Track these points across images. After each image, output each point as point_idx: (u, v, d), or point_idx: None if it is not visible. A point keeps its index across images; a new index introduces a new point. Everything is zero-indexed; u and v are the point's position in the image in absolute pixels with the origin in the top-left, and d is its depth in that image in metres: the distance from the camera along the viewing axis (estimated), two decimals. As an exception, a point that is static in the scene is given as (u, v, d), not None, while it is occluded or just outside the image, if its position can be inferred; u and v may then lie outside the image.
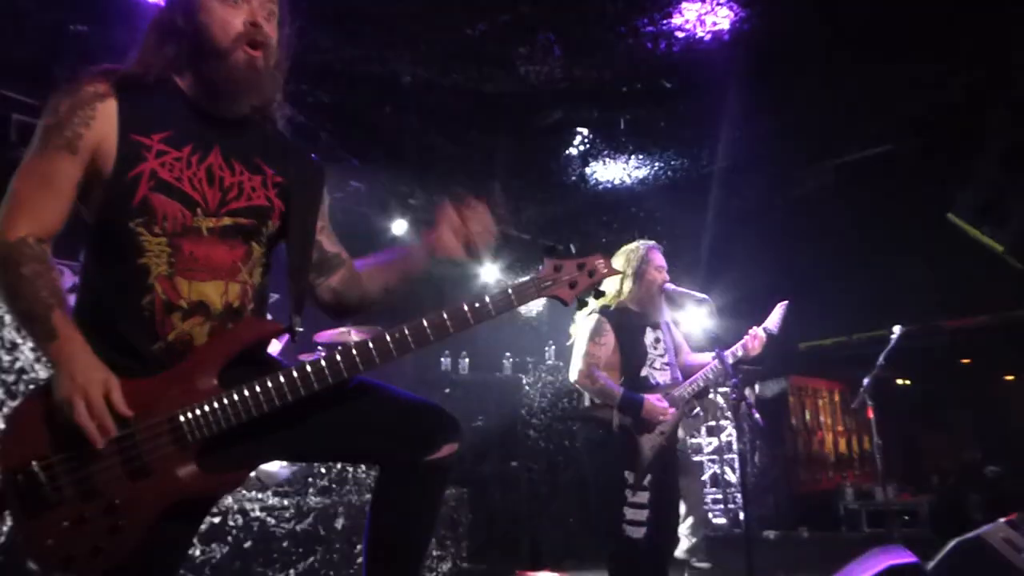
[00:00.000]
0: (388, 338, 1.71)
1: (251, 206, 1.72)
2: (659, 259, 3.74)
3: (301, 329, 1.76)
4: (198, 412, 1.57)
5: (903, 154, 6.55)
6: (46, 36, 4.66)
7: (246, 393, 1.60)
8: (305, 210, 1.82)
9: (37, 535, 1.48)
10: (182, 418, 1.56)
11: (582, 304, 1.88)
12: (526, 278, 1.85)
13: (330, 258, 1.93)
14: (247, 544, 4.17)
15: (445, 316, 1.75)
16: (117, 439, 1.51)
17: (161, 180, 1.61)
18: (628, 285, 3.68)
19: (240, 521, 4.20)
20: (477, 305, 1.77)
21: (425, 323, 1.73)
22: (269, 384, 1.61)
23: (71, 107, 1.59)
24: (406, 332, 1.72)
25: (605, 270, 1.85)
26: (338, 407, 1.74)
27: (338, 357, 1.67)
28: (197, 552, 3.94)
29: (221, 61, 1.65)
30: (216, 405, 1.58)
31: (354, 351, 1.68)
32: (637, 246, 3.79)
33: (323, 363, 1.65)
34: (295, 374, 1.63)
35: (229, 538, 4.10)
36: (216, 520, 4.08)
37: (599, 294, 1.88)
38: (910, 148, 6.50)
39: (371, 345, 1.69)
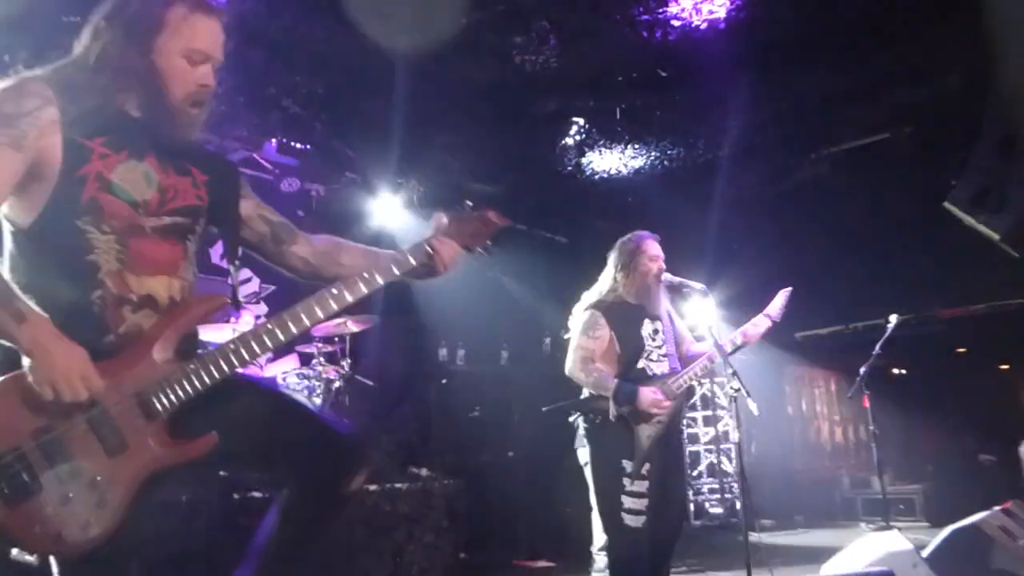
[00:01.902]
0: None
1: (186, 206, 1.82)
2: (652, 249, 3.72)
3: (243, 301, 1.90)
4: (163, 385, 1.66)
5: (899, 142, 6.55)
6: (40, 28, 4.63)
7: (204, 362, 1.72)
8: (228, 202, 1.93)
9: (23, 523, 1.51)
10: (149, 392, 1.64)
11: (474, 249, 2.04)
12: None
13: (280, 226, 2.05)
14: (247, 533, 4.17)
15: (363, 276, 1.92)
16: (91, 419, 1.57)
17: (107, 180, 1.68)
18: (621, 277, 3.67)
19: (238, 511, 4.20)
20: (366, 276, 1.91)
21: (335, 290, 1.88)
22: (220, 353, 1.74)
23: (16, 107, 1.63)
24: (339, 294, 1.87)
25: (497, 220, 2.10)
26: (260, 422, 1.83)
27: (276, 321, 1.83)
28: (196, 543, 3.94)
29: (168, 110, 1.76)
30: (178, 376, 1.68)
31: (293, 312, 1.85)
32: (629, 237, 3.77)
33: (261, 328, 1.80)
34: (239, 342, 1.77)
35: (228, 528, 4.10)
36: (214, 510, 4.08)
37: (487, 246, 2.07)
38: (906, 136, 6.49)
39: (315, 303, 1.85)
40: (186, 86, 1.75)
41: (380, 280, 1.90)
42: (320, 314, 1.85)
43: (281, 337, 1.81)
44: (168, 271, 1.78)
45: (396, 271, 1.94)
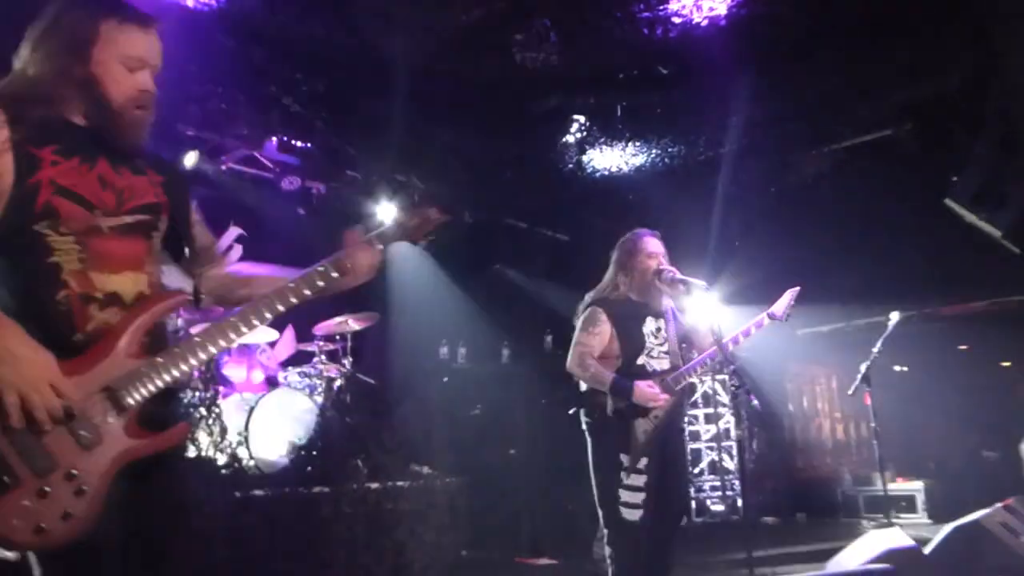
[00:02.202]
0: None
1: (145, 203, 1.88)
2: (650, 245, 3.73)
3: (204, 297, 2.00)
4: (131, 379, 1.71)
5: (900, 139, 6.54)
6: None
7: (171, 356, 1.78)
8: (182, 205, 2.00)
9: (2, 518, 1.54)
10: (118, 386, 1.70)
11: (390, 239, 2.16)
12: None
13: (207, 248, 2.11)
14: (248, 533, 4.19)
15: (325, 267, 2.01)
16: (63, 416, 1.62)
17: (60, 186, 1.74)
18: (622, 275, 3.69)
19: (240, 510, 4.21)
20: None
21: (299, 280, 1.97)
22: (187, 348, 1.82)
23: None
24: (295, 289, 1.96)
25: (437, 216, 2.18)
26: None
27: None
28: (200, 539, 3.95)
29: (112, 114, 1.82)
30: (146, 370, 1.73)
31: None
32: (629, 236, 3.79)
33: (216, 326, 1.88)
34: (204, 336, 1.85)
35: (229, 527, 4.11)
36: (216, 509, 4.09)
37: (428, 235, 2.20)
38: (907, 133, 6.48)
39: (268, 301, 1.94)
40: (126, 91, 1.82)
41: (293, 301, 1.96)
42: (255, 323, 1.92)
43: (227, 342, 1.89)
44: (132, 267, 1.83)
45: (308, 292, 1.99)
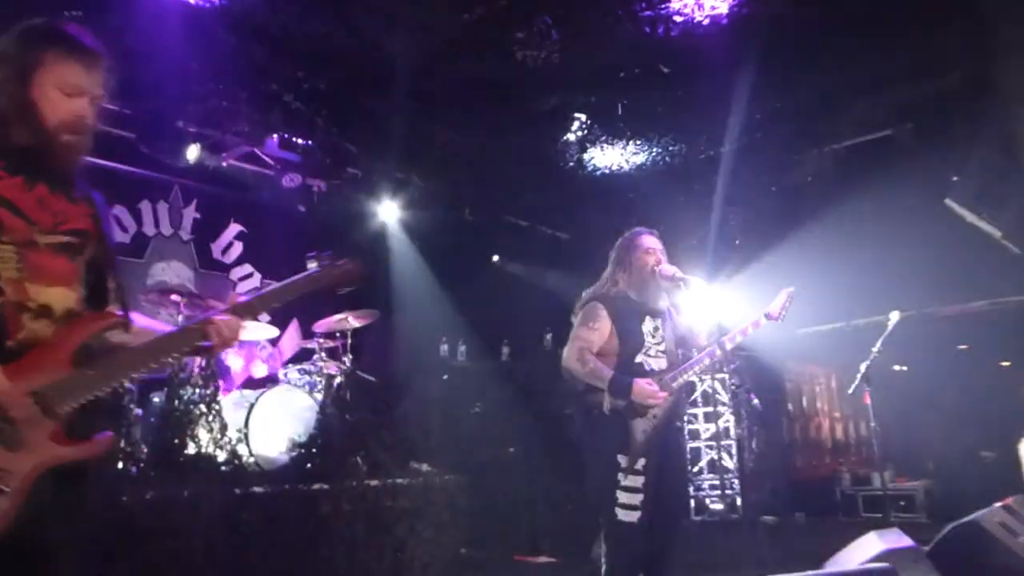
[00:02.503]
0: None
1: (76, 229, 1.98)
2: (647, 243, 3.73)
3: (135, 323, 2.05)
4: (60, 389, 1.79)
5: (900, 139, 6.54)
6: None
7: (102, 369, 1.87)
8: (107, 239, 2.07)
9: None
10: (47, 394, 1.77)
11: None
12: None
13: (119, 289, 2.12)
14: (247, 530, 4.19)
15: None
16: None
17: (4, 198, 1.85)
18: (619, 272, 3.69)
19: (240, 507, 4.21)
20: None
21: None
22: (115, 364, 1.92)
23: None
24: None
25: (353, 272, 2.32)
26: None
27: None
28: (197, 538, 3.95)
29: (46, 137, 1.90)
30: (77, 381, 1.82)
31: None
32: (626, 234, 3.79)
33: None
34: (131, 355, 1.95)
35: (229, 524, 4.11)
36: (216, 506, 4.09)
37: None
38: (907, 133, 6.48)
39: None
40: (60, 114, 1.91)
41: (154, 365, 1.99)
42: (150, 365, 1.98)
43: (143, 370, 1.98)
44: (64, 283, 1.92)
45: (166, 359, 2.01)
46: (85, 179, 2.08)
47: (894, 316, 5.18)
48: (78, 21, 4.60)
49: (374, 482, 4.96)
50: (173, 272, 6.72)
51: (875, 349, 5.19)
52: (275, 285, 2.22)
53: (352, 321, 5.80)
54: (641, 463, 3.38)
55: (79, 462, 1.83)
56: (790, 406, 10.71)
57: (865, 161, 6.88)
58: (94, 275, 2.03)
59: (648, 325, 3.65)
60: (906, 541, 3.72)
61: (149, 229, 6.68)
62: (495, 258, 8.44)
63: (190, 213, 6.93)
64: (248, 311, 2.12)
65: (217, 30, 4.75)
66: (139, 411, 5.35)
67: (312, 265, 2.28)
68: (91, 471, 1.90)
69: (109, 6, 4.54)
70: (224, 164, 6.66)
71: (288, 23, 4.75)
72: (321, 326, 5.86)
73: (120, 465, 4.50)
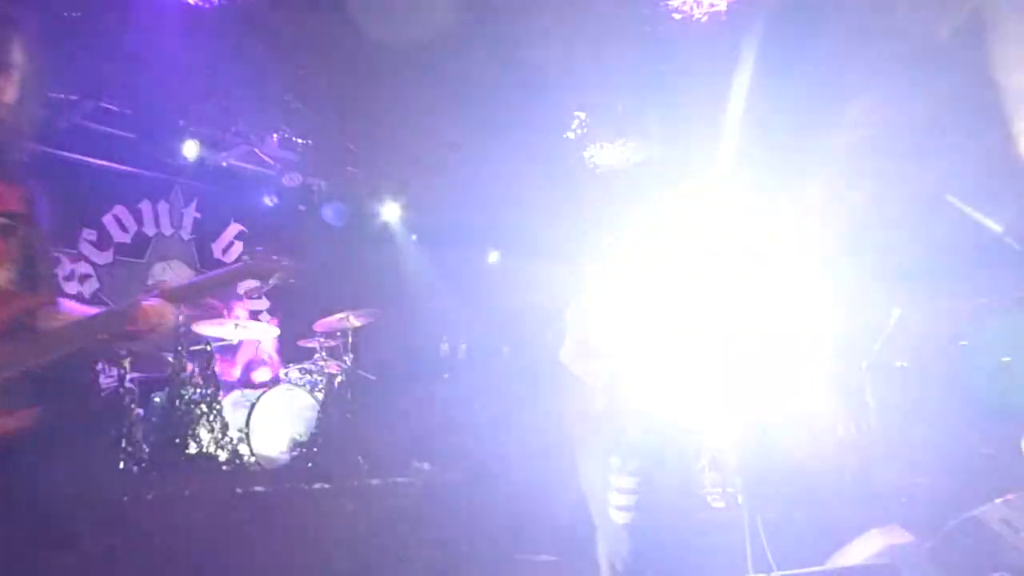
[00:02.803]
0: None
1: (8, 211, 2.00)
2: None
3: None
4: None
5: (900, 133, 6.52)
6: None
7: (21, 344, 1.90)
8: (39, 224, 2.07)
9: None
10: None
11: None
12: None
13: (48, 277, 2.11)
14: (249, 529, 4.19)
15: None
16: None
17: None
18: None
19: (241, 506, 4.22)
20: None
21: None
22: (38, 340, 1.94)
23: None
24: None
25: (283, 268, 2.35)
26: None
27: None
28: (199, 537, 3.96)
29: None
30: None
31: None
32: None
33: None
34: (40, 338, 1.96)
35: (230, 523, 4.11)
36: (217, 506, 4.10)
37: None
38: (905, 127, 6.47)
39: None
40: None
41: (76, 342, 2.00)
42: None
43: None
44: None
45: (90, 339, 2.03)
46: (30, 162, 2.09)
47: (895, 314, 5.19)
48: (77, 21, 4.62)
49: (375, 481, 4.96)
50: (174, 272, 6.73)
51: (877, 346, 5.19)
52: (207, 274, 2.28)
53: (353, 320, 5.80)
54: (633, 463, 3.36)
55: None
56: (791, 403, 10.70)
57: (863, 156, 6.86)
58: (26, 259, 2.04)
59: None
60: (908, 538, 3.72)
61: (150, 229, 6.68)
62: (491, 258, 8.43)
63: (190, 213, 6.93)
64: (177, 297, 2.12)
65: (217, 29, 4.76)
66: (140, 411, 5.36)
67: (245, 258, 2.36)
68: (13, 446, 1.90)
69: (109, 6, 4.53)
70: (224, 163, 6.66)
71: (288, 21, 4.75)
72: (322, 325, 5.87)
73: (121, 465, 4.51)
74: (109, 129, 5.75)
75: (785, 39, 5.19)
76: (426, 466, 5.65)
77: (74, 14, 4.35)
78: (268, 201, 7.13)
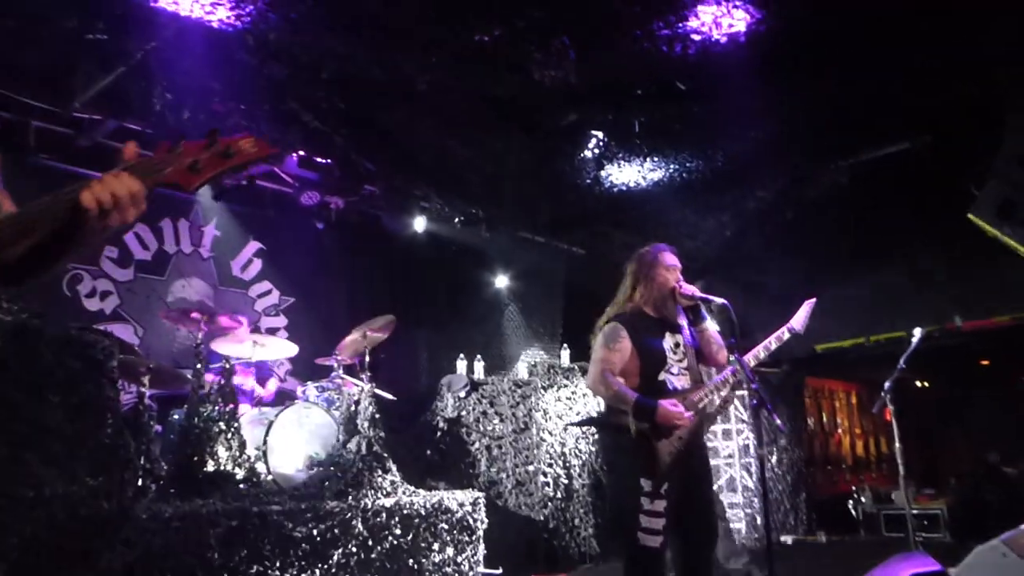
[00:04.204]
0: None
1: None
2: (669, 259, 3.70)
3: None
4: None
5: (921, 152, 6.49)
6: (64, 44, 4.71)
7: None
8: None
9: None
10: None
11: (200, 185, 1.55)
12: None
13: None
14: (265, 547, 4.19)
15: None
16: None
17: None
18: (641, 288, 3.66)
19: (258, 524, 4.21)
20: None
21: None
22: None
23: None
24: None
25: (252, 148, 1.59)
26: None
27: None
28: (216, 555, 3.96)
29: None
30: None
31: None
32: (647, 248, 3.76)
33: None
34: None
35: (247, 541, 4.11)
36: (234, 523, 4.09)
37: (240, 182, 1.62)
38: (928, 146, 6.44)
39: None
40: None
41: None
42: None
43: None
44: None
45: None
46: None
47: (917, 332, 5.12)
48: (102, 43, 4.69)
49: (391, 500, 4.95)
50: (193, 289, 6.77)
51: (900, 365, 5.12)
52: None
53: (370, 336, 5.80)
54: (665, 487, 3.33)
55: None
56: (810, 422, 10.61)
57: (885, 174, 6.83)
58: None
59: (669, 341, 3.61)
60: (933, 565, 3.66)
61: (170, 247, 6.74)
62: (498, 285, 8.38)
63: (210, 231, 6.99)
64: (149, 169, 1.52)
65: (238, 51, 4.82)
66: (159, 428, 5.38)
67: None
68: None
69: (133, 27, 4.60)
70: (243, 182, 6.72)
71: (308, 43, 4.80)
72: (341, 348, 5.88)
73: (140, 482, 4.52)
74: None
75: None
76: (442, 485, 5.62)
77: (99, 36, 4.42)
78: (317, 225, 7.19)
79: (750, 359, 3.55)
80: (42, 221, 1.49)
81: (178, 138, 1.58)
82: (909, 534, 5.26)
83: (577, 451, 6.59)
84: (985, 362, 11.43)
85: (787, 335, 3.66)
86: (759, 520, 7.92)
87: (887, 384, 5.13)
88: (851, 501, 9.31)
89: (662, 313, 3.64)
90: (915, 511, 8.10)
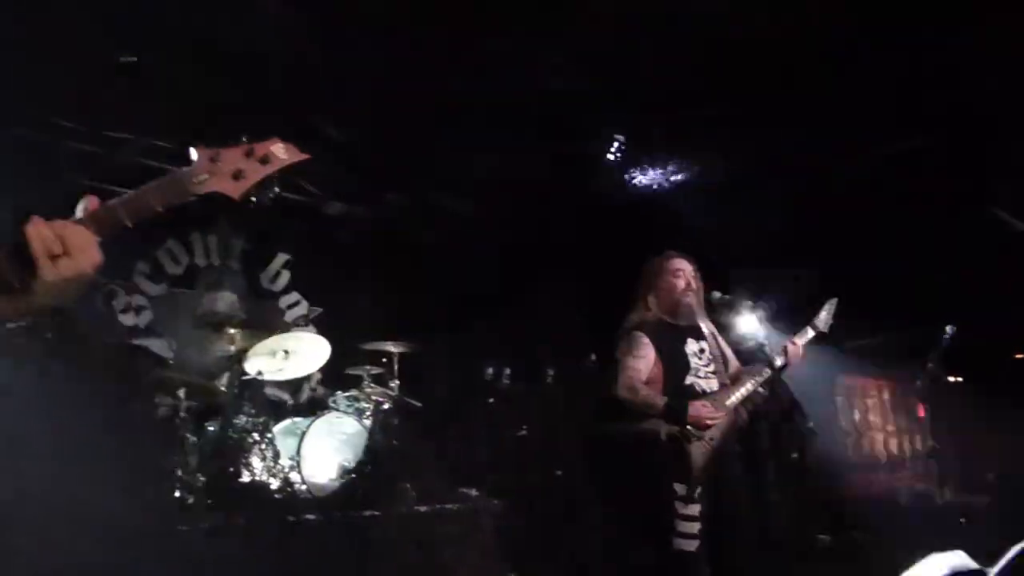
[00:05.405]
0: None
1: None
2: (674, 264, 3.75)
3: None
4: None
5: (946, 145, 6.42)
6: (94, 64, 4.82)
7: None
8: None
9: None
10: None
11: (246, 199, 1.55)
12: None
13: None
14: (299, 556, 4.24)
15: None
16: None
17: None
18: (651, 297, 3.71)
19: (292, 533, 4.27)
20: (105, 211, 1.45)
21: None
22: None
23: None
24: None
25: (284, 155, 1.58)
26: None
27: None
28: (255, 567, 4.02)
29: None
30: None
31: None
32: (654, 258, 3.82)
33: None
34: None
35: (284, 552, 4.17)
36: (272, 534, 4.15)
37: (279, 186, 1.60)
38: (953, 138, 6.37)
39: None
40: None
41: None
42: None
43: None
44: None
45: None
46: None
47: (949, 330, 5.07)
48: (133, 63, 4.80)
49: (423, 508, 4.98)
50: (223, 302, 6.87)
51: (931, 363, 5.07)
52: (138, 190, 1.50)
53: (396, 347, 5.87)
54: (698, 490, 3.33)
55: None
56: (842, 421, 10.49)
57: (911, 168, 6.76)
58: None
59: (692, 347, 3.63)
60: (971, 564, 3.61)
61: (200, 260, 6.85)
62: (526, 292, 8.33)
63: (239, 244, 7.09)
64: (106, 220, 1.43)
65: (268, 70, 4.92)
66: (194, 439, 5.47)
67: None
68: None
69: (161, 45, 4.71)
70: (270, 194, 6.80)
71: (336, 59, 4.88)
72: (367, 352, 5.95)
73: (177, 494, 4.60)
74: (164, 165, 5.94)
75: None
76: (472, 492, 5.65)
77: (131, 58, 4.52)
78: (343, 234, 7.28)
79: (776, 359, 3.57)
80: None
81: (217, 146, 1.57)
82: (946, 533, 5.20)
83: (605, 457, 6.57)
84: (1020, 356, 11.23)
85: (810, 334, 3.67)
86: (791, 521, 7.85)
87: (919, 382, 5.09)
88: (887, 499, 9.20)
89: (682, 318, 3.66)
90: (952, 509, 7.99)
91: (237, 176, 1.56)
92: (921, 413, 5.34)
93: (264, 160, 1.58)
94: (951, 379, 11.95)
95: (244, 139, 1.59)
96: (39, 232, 1.36)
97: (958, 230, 7.08)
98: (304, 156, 1.65)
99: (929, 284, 7.90)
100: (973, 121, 6.04)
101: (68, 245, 1.36)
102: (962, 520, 8.08)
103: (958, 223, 6.95)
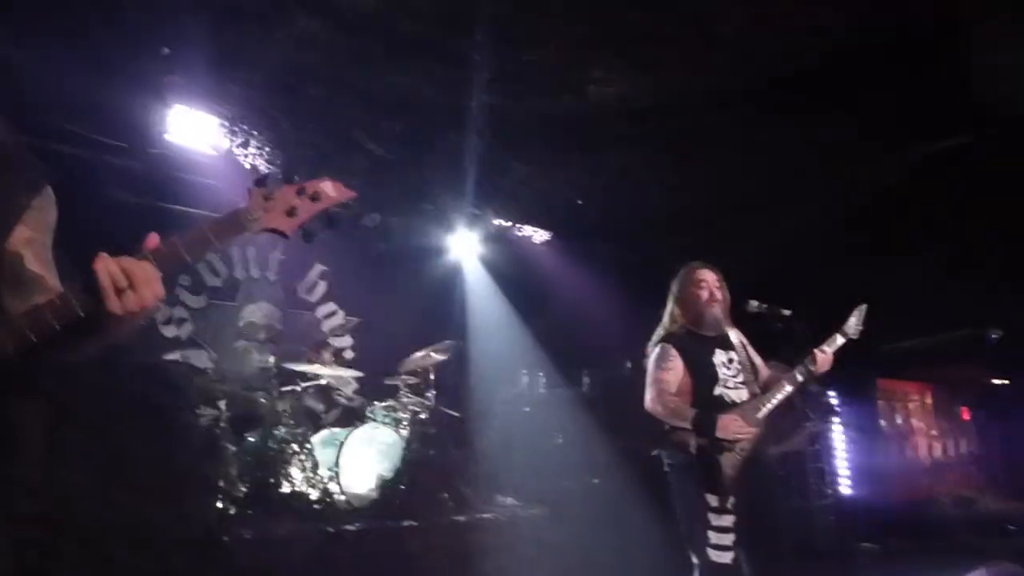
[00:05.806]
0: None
1: None
2: (699, 275, 3.73)
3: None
4: None
5: (985, 145, 6.29)
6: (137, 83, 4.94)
7: None
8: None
9: None
10: None
11: (308, 236, 1.67)
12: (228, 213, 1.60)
13: (27, 280, 1.62)
14: (342, 565, 4.29)
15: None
16: None
17: None
18: (676, 308, 3.71)
19: (335, 542, 4.32)
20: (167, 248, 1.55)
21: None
22: None
23: None
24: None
25: (333, 192, 1.68)
26: None
27: None
28: (294, 573, 4.08)
29: None
30: None
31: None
32: (680, 269, 3.81)
33: None
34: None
35: (325, 562, 4.22)
36: (312, 544, 4.21)
37: (333, 223, 1.68)
38: (992, 138, 6.24)
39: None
40: None
41: None
42: None
43: None
44: None
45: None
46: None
47: (995, 333, 4.98)
48: (176, 84, 4.92)
49: (461, 517, 5.01)
50: (262, 313, 6.98)
51: (972, 366, 4.98)
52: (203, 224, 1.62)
53: (434, 356, 5.91)
54: (731, 501, 3.31)
55: None
56: (883, 425, 10.32)
57: (944, 170, 6.64)
58: None
59: (720, 357, 3.61)
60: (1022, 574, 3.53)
61: (240, 273, 6.97)
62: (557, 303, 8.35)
63: (276, 256, 7.20)
64: (168, 257, 1.54)
65: (305, 85, 5.00)
66: (234, 449, 5.56)
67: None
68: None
69: (205, 66, 4.81)
70: (376, 218, 6.90)
71: (370, 75, 4.94)
72: (405, 364, 5.99)
73: (219, 504, 4.68)
74: (202, 179, 6.05)
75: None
76: (509, 500, 5.66)
77: (173, 77, 4.63)
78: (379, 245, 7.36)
79: (807, 367, 3.53)
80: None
81: (272, 186, 1.67)
82: (994, 542, 5.09)
83: (639, 466, 6.53)
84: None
85: (839, 340, 3.64)
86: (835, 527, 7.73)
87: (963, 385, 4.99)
88: (930, 504, 9.03)
89: (708, 329, 3.64)
90: (997, 515, 7.82)
91: (291, 213, 1.66)
92: (965, 416, 5.22)
93: (315, 197, 1.68)
94: (996, 382, 11.70)
95: (296, 178, 1.68)
96: (107, 267, 1.46)
97: (1004, 231, 6.93)
98: (352, 194, 1.74)
99: (974, 286, 7.74)
100: (1015, 121, 5.91)
101: (133, 280, 1.47)
102: (1009, 527, 7.89)
103: (1002, 224, 6.80)
